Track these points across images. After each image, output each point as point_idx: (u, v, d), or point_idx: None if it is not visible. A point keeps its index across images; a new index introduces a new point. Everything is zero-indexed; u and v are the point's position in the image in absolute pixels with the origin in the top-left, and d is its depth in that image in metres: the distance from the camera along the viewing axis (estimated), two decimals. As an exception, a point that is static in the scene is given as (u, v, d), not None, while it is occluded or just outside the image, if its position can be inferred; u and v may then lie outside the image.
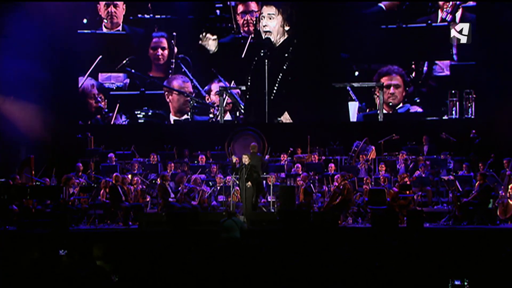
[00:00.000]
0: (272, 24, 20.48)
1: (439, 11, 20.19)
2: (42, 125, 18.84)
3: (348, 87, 20.29)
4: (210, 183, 16.81)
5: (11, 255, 8.68)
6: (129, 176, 16.47)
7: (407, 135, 18.49)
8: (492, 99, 18.90)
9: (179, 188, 16.00)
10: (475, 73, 19.49)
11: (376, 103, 20.26)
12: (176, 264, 7.99)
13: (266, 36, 20.43)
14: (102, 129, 20.26)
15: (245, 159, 14.96)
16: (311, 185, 16.14)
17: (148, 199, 16.47)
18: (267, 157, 17.79)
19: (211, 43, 20.73)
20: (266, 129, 19.49)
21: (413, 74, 20.48)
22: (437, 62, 20.22)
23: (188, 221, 14.01)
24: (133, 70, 20.82)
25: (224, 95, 20.53)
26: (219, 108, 20.48)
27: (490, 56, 19.03)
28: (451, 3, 20.00)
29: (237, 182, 15.47)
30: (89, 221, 15.32)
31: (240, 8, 20.80)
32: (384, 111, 20.20)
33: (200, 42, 20.70)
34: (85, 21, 20.69)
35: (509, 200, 14.90)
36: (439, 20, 20.20)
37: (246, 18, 20.70)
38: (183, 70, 20.85)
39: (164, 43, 20.97)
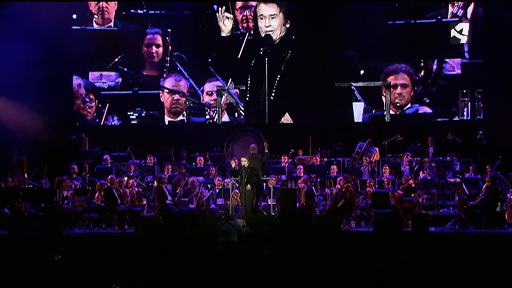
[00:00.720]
0: (275, 24, 20.34)
1: (450, 6, 19.93)
2: (34, 126, 18.80)
3: (353, 87, 20.16)
4: (208, 185, 16.81)
5: (2, 260, 8.70)
6: (125, 178, 16.47)
7: (411, 136, 18.48)
8: (499, 99, 18.89)
9: (177, 191, 16.01)
10: (482, 72, 19.45)
11: (383, 104, 20.09)
12: (173, 269, 8.00)
13: (266, 33, 20.32)
14: (97, 130, 20.17)
15: (244, 162, 14.98)
16: (313, 187, 16.14)
17: (144, 202, 16.46)
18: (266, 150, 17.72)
19: (227, 23, 20.41)
20: (266, 130, 19.45)
21: (422, 73, 20.24)
22: (447, 60, 20.00)
23: (185, 225, 14.01)
24: (125, 69, 20.60)
25: (222, 95, 20.42)
26: (217, 109, 20.40)
27: (497, 54, 19.01)
28: (462, -4, 19.71)
29: (237, 184, 15.49)
30: (83, 225, 15.31)
31: (239, 3, 20.67)
32: (392, 112, 20.01)
33: (215, 20, 20.34)
34: (74, 16, 20.49)
35: (517, 203, 14.91)
36: (449, 16, 19.95)
37: (245, 14, 20.55)
38: (178, 68, 20.66)
39: (159, 40, 20.77)
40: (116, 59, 20.55)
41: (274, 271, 7.82)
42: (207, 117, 20.69)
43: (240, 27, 20.58)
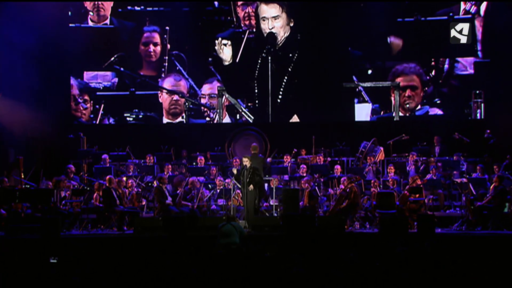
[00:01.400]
0: (278, 24, 20.01)
1: (462, 3, 19.60)
2: (31, 125, 18.82)
3: (360, 87, 19.94)
4: (209, 185, 16.81)
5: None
6: (124, 178, 16.49)
7: (417, 135, 18.45)
8: (507, 98, 18.87)
9: (177, 191, 16.02)
10: (489, 71, 19.35)
11: (392, 105, 19.88)
12: (173, 271, 8.02)
13: (269, 31, 20.04)
14: (94, 129, 20.07)
15: (246, 161, 14.98)
16: (316, 188, 16.15)
17: (144, 203, 16.49)
18: (269, 159, 17.78)
19: (226, 51, 20.08)
20: (268, 129, 19.45)
21: (433, 73, 19.92)
22: (459, 59, 19.71)
23: (186, 226, 14.01)
24: (122, 68, 20.38)
25: (223, 96, 20.27)
26: (218, 110, 20.24)
27: (506, 53, 18.96)
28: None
29: (238, 185, 15.49)
30: (81, 226, 15.32)
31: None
32: (401, 114, 19.79)
33: (214, 53, 20.12)
34: (69, 13, 20.29)
35: (526, 204, 14.92)
36: (461, 13, 19.58)
37: (247, 11, 20.29)
38: (177, 68, 20.43)
39: (156, 38, 20.52)
40: (112, 58, 20.29)
41: (276, 273, 7.83)
42: (207, 119, 20.51)
43: (242, 25, 20.34)
